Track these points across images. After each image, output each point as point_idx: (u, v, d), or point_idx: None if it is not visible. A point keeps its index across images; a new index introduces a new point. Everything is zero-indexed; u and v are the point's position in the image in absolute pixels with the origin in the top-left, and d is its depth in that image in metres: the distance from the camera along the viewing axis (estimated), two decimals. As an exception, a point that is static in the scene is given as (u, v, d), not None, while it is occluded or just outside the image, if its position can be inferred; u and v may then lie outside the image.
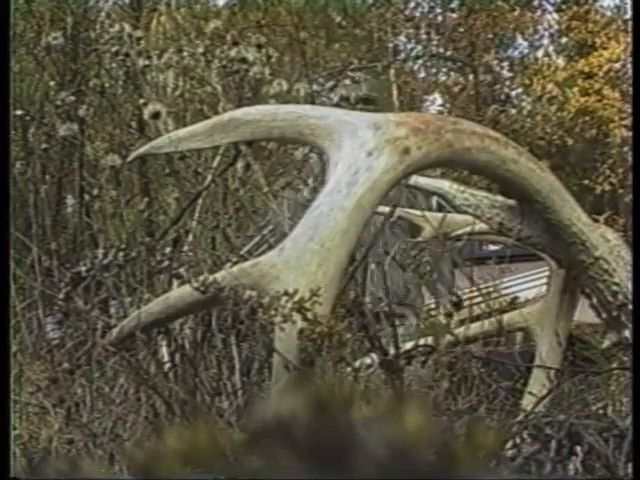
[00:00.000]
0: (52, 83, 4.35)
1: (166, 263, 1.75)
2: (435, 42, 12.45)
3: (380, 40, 11.77)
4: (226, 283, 1.22)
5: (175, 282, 1.69)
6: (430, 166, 1.36)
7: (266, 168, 2.45)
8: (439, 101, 12.64)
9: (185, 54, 2.71)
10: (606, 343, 1.55)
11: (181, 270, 1.63)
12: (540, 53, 13.18)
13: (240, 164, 2.35)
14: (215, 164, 2.41)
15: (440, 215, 1.95)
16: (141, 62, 2.63)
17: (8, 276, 1.63)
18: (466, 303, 1.93)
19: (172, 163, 2.50)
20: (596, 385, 1.74)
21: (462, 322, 1.91)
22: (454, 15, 12.43)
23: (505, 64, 13.28)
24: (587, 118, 11.81)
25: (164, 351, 1.70)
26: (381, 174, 1.24)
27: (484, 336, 1.82)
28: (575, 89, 11.85)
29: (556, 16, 13.05)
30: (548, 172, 1.43)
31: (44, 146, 3.71)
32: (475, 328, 1.81)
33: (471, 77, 11.99)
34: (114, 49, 2.66)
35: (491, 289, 2.42)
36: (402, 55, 12.32)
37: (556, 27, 13.12)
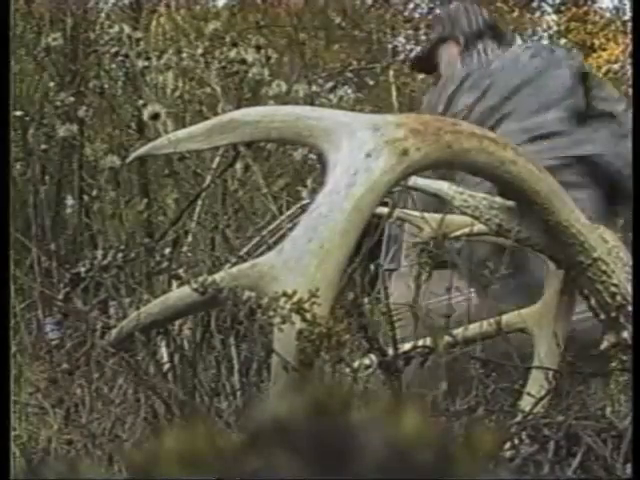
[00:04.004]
0: (52, 84, 4.34)
1: (165, 264, 1.75)
2: (434, 43, 12.43)
3: (379, 41, 11.77)
4: (225, 284, 1.22)
5: (174, 283, 1.69)
6: (429, 167, 1.36)
7: (265, 169, 2.45)
8: (438, 102, 12.62)
9: (184, 55, 2.71)
10: (604, 344, 1.55)
11: (180, 271, 1.63)
12: (539, 54, 13.18)
13: (239, 165, 2.36)
14: (214, 165, 2.41)
15: (438, 216, 1.94)
16: (140, 63, 2.63)
17: (8, 277, 1.63)
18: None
19: (171, 164, 2.50)
20: (594, 386, 1.74)
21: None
22: (453, 16, 12.43)
23: (504, 65, 13.28)
24: (586, 119, 11.80)
25: (163, 352, 1.71)
26: (380, 175, 1.24)
27: (483, 337, 1.81)
28: (574, 90, 11.84)
29: (555, 17, 13.06)
30: (547, 173, 1.43)
31: (44, 147, 3.72)
32: (474, 329, 1.80)
33: (470, 78, 11.98)
34: (113, 50, 2.67)
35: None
36: (401, 56, 12.31)
37: (555, 28, 13.13)
